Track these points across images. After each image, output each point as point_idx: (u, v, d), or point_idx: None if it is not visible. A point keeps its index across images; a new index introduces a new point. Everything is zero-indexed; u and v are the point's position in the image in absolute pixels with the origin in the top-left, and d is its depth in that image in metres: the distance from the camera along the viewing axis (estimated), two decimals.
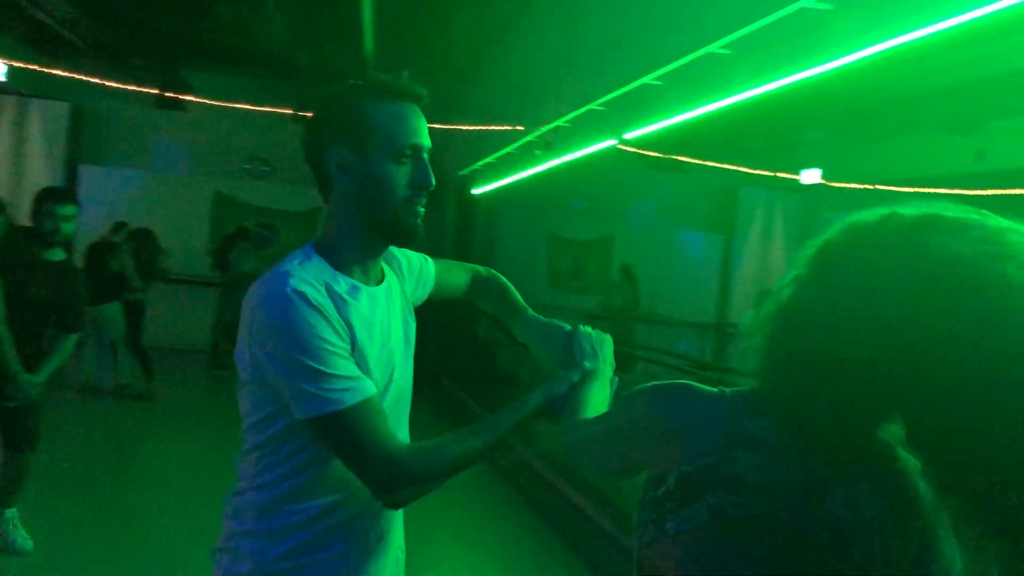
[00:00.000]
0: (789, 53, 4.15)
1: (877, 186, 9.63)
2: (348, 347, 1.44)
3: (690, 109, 5.00)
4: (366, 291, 1.54)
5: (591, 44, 6.64)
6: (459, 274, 2.01)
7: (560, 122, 6.70)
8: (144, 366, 8.57)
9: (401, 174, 1.50)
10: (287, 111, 11.45)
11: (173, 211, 11.81)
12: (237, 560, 1.51)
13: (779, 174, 11.80)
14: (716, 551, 0.96)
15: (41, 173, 11.41)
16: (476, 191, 10.29)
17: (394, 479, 1.38)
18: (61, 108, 11.71)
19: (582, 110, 6.27)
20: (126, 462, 6.77)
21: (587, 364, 1.64)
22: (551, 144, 7.22)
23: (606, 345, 1.73)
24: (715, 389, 1.08)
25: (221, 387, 10.14)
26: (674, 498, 1.01)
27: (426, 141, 1.52)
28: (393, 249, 1.69)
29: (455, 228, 11.83)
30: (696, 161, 11.37)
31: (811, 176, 11.27)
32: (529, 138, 7.51)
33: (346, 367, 1.40)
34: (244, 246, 10.41)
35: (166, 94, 11.11)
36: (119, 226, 9.36)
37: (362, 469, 1.40)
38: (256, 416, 1.48)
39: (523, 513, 5.92)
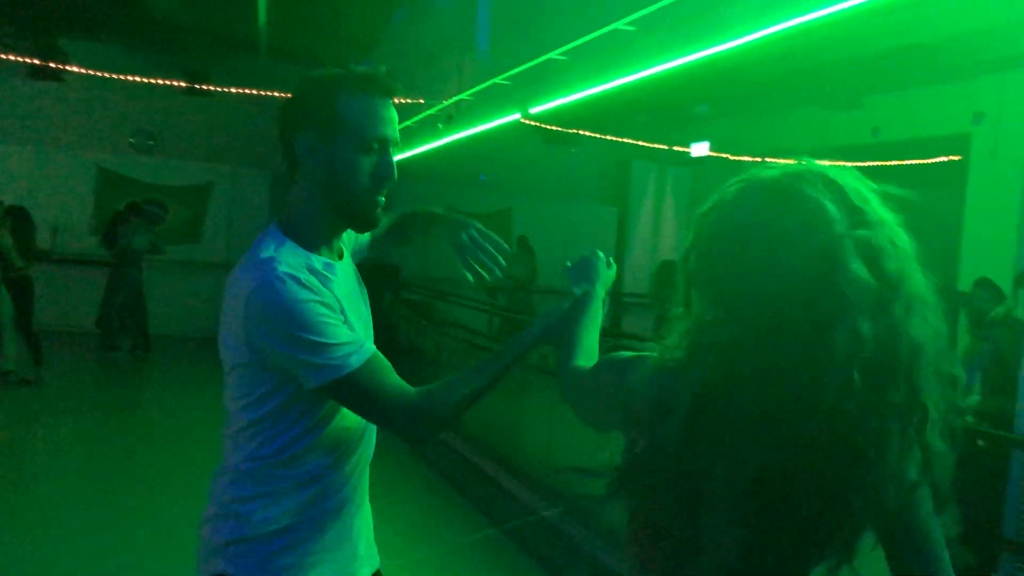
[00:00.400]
0: (692, 31, 4.30)
1: (766, 158, 10.00)
2: (341, 317, 1.53)
3: (596, 84, 5.11)
4: (338, 266, 1.63)
5: (492, 18, 6.67)
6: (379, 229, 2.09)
7: (464, 95, 6.72)
8: (33, 350, 8.19)
9: (366, 164, 1.56)
10: (175, 83, 11.06)
11: (54, 187, 11.26)
12: (239, 524, 1.57)
13: (675, 148, 12.12)
14: (683, 510, 1.08)
15: None
16: None
17: (415, 420, 1.51)
18: None
19: (486, 84, 6.31)
20: (12, 452, 6.49)
21: (576, 290, 1.66)
22: (453, 118, 7.23)
23: (597, 265, 1.72)
24: (670, 358, 1.15)
25: (111, 370, 9.81)
26: (646, 462, 1.11)
27: (393, 134, 1.60)
28: None
29: None
30: (591, 134, 11.55)
31: (700, 149, 11.61)
32: (431, 111, 7.51)
33: (345, 334, 1.50)
34: (136, 222, 10.03)
35: (49, 64, 10.52)
36: None
37: (383, 418, 1.55)
38: (252, 396, 1.55)
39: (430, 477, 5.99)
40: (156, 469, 5.97)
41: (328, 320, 1.48)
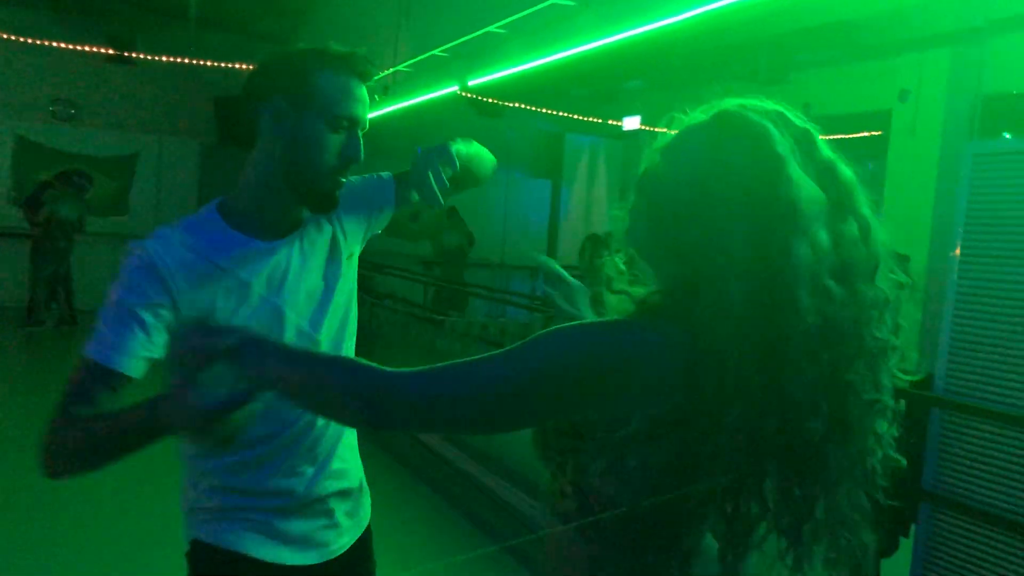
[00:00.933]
0: (629, 6, 4.39)
1: None
2: (164, 316, 1.44)
3: (536, 58, 5.17)
4: (258, 249, 1.54)
5: None
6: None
7: (401, 67, 6.71)
8: None
9: (333, 142, 1.52)
10: (98, 50, 10.71)
11: None
12: (190, 495, 1.62)
13: (609, 121, 12.25)
14: (679, 483, 1.00)
15: None
16: None
17: (44, 446, 1.34)
18: None
19: (424, 56, 6.31)
20: None
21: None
22: (390, 88, 7.21)
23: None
24: (654, 325, 1.06)
25: (37, 346, 9.55)
26: (639, 438, 1.01)
27: (363, 117, 1.58)
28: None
29: None
30: (525, 107, 11.58)
31: (632, 123, 11.76)
32: (369, 83, 7.47)
33: (120, 331, 1.40)
34: (64, 191, 9.74)
35: None
36: None
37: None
38: None
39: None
40: None
41: (126, 308, 1.40)
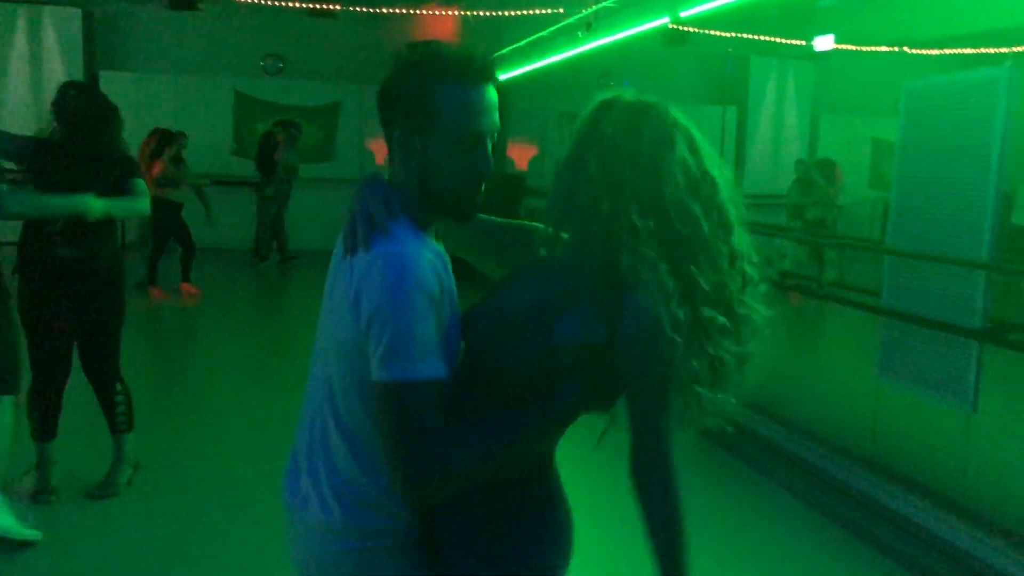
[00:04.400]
0: None
1: (895, 48, 9.78)
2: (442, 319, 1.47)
3: None
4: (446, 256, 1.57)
5: None
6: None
7: (607, 3, 6.84)
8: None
9: (463, 160, 1.50)
10: (299, 6, 11.38)
11: (196, 112, 11.85)
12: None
13: (791, 41, 11.90)
14: None
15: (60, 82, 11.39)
16: (503, 77, 10.41)
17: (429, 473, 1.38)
18: (72, 14, 11.63)
19: None
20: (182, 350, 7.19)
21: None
22: (593, 25, 7.36)
23: None
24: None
25: (265, 279, 10.61)
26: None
27: (491, 126, 1.51)
28: None
29: None
30: (711, 32, 11.40)
31: (824, 43, 11.38)
32: (571, 20, 7.64)
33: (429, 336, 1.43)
34: (288, 136, 10.75)
35: None
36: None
37: (390, 455, 1.41)
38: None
39: None
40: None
41: (428, 317, 1.38)
